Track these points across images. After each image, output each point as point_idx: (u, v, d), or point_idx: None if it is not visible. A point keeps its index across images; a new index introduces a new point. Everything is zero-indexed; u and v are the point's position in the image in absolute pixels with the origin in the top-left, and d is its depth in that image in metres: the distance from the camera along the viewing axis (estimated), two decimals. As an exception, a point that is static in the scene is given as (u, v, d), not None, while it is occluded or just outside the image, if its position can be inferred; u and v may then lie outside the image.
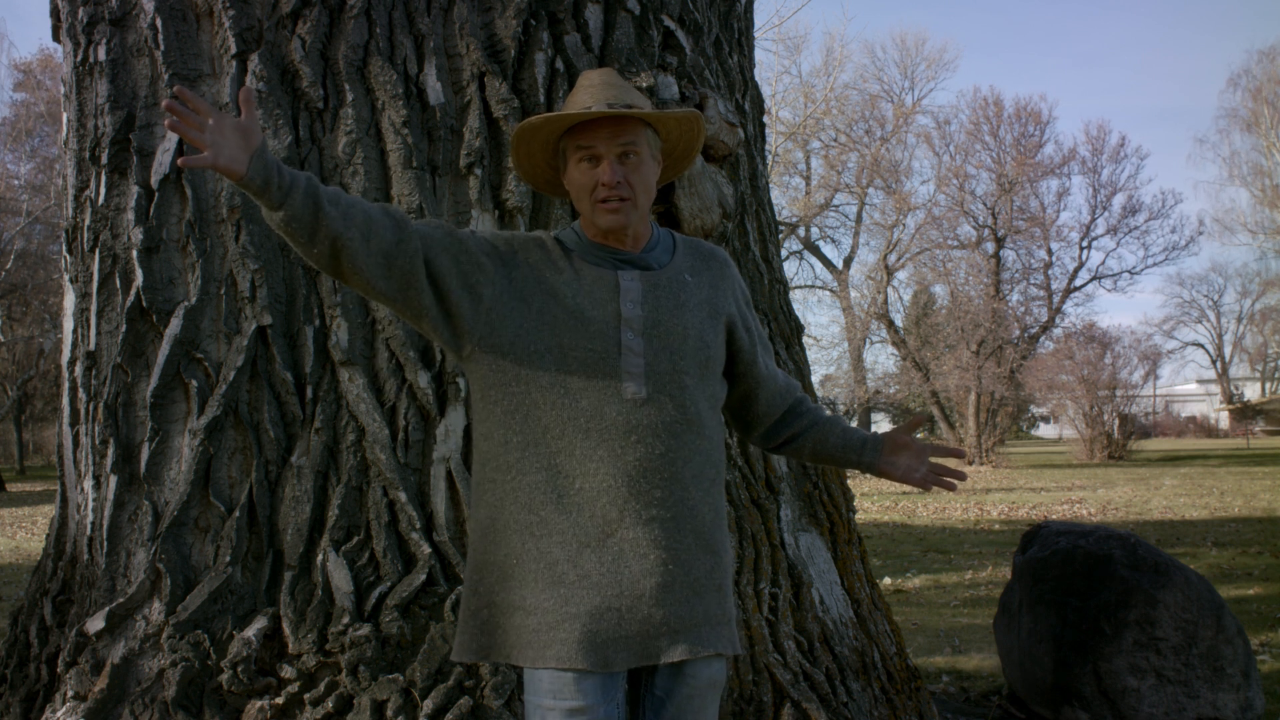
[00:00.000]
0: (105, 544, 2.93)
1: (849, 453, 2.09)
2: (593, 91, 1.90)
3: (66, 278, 3.29)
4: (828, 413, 2.14)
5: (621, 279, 1.91)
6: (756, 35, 10.21)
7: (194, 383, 2.89)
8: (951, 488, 2.08)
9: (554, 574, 1.84)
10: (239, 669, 2.66)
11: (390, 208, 1.86)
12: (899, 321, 35.08)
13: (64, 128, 3.36)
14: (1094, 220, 30.65)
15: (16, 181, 26.70)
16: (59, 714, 2.72)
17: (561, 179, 1.99)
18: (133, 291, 2.97)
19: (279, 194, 1.71)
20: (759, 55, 33.98)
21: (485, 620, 1.90)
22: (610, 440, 1.84)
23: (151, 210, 2.97)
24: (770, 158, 27.95)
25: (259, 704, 2.64)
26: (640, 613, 1.84)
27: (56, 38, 3.39)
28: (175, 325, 2.91)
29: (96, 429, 3.00)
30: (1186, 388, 57.23)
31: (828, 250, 37.83)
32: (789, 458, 2.68)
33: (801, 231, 33.38)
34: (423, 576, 2.77)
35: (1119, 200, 31.48)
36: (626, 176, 1.87)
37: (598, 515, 1.84)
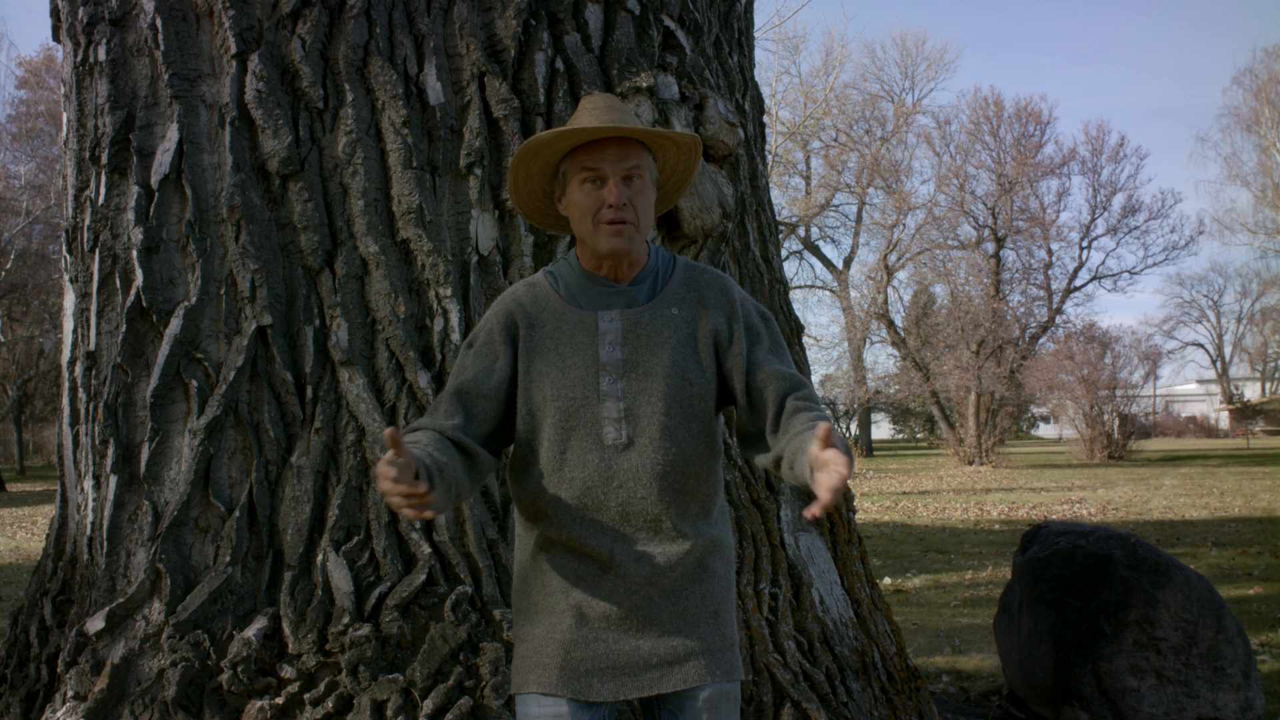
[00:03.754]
0: (105, 544, 2.93)
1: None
2: (597, 114, 1.88)
3: (66, 278, 3.29)
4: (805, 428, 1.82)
5: (600, 321, 1.89)
6: (756, 35, 10.22)
7: (194, 383, 2.89)
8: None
9: (549, 605, 1.89)
10: (239, 669, 2.66)
11: (463, 435, 1.88)
12: (899, 321, 35.10)
13: (64, 128, 3.36)
14: (1094, 220, 30.66)
15: (16, 181, 26.71)
16: (59, 714, 2.72)
17: (556, 204, 1.96)
18: (133, 291, 2.97)
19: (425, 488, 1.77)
20: (759, 55, 34.00)
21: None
22: (592, 489, 1.85)
23: (151, 210, 2.96)
24: (770, 158, 27.95)
25: (259, 704, 2.64)
26: (627, 644, 1.86)
27: (56, 38, 3.39)
28: (175, 325, 2.91)
29: (96, 429, 3.00)
30: (1186, 388, 57.23)
31: (828, 250, 37.90)
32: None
33: (801, 231, 33.39)
34: (423, 576, 2.77)
35: (1119, 200, 31.52)
36: (631, 199, 1.85)
37: (587, 558, 1.87)
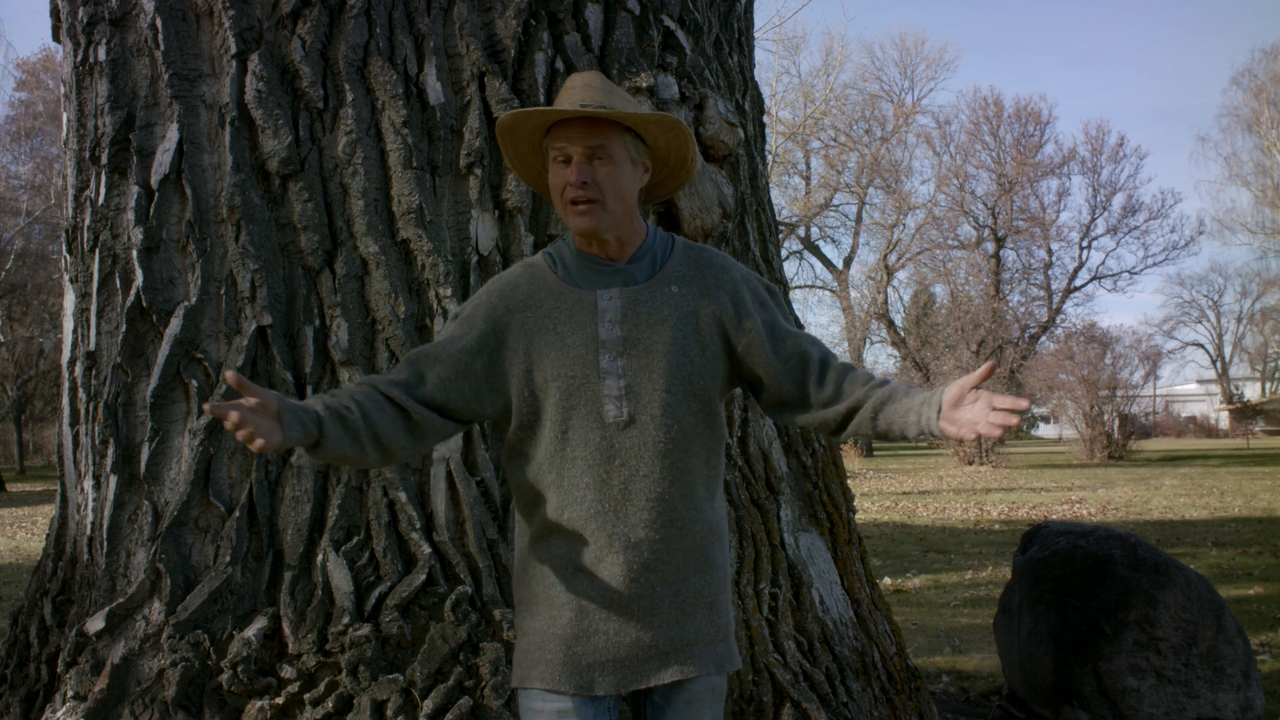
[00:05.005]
0: (105, 544, 2.93)
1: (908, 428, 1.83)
2: (571, 93, 1.88)
3: (66, 278, 3.29)
4: (872, 390, 1.87)
5: (600, 299, 1.89)
6: (756, 35, 10.22)
7: (194, 383, 2.89)
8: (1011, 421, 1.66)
9: (549, 596, 1.89)
10: (239, 669, 2.66)
11: (397, 390, 1.86)
12: (899, 321, 35.10)
13: (64, 128, 3.36)
14: (1094, 220, 30.70)
15: (16, 181, 26.71)
16: (59, 714, 2.72)
17: None
18: (133, 291, 2.97)
19: (315, 434, 1.74)
20: (759, 55, 34.00)
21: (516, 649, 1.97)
22: (595, 466, 1.85)
23: (151, 210, 2.97)
24: (770, 158, 27.95)
25: (259, 704, 2.64)
26: (628, 635, 1.86)
27: (56, 38, 3.39)
28: (175, 325, 2.91)
29: (96, 429, 3.00)
30: (1186, 388, 57.24)
31: (828, 250, 37.89)
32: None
33: (801, 231, 33.40)
34: (423, 576, 2.77)
35: (1119, 200, 31.58)
36: (594, 177, 1.84)
37: (588, 541, 1.86)
